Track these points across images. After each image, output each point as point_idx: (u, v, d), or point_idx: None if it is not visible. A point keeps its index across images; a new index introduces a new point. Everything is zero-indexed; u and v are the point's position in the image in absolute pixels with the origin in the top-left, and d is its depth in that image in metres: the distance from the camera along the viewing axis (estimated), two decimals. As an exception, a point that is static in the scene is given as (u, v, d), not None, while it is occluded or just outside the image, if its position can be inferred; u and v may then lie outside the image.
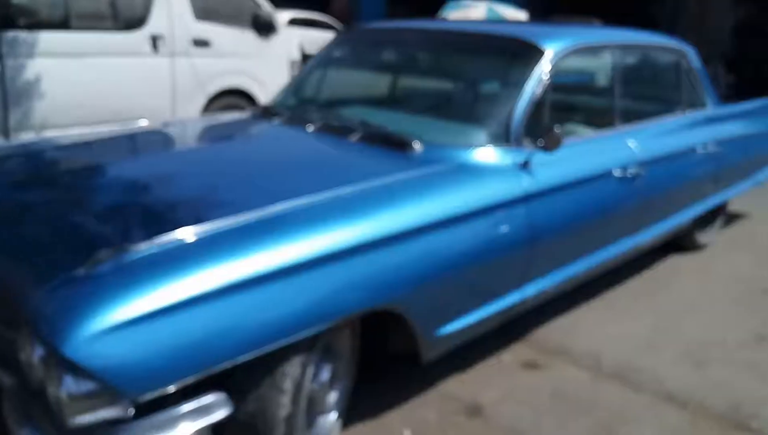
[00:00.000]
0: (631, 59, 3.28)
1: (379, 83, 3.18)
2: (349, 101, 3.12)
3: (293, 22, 13.26)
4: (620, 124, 3.06)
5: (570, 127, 3.14)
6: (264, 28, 6.04)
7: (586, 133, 3.05)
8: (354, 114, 2.84)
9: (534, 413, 2.36)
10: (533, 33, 2.77)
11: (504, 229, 2.32)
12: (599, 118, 3.11)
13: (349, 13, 17.39)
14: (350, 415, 2.24)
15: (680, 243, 3.98)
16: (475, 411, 2.36)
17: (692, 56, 3.67)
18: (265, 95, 5.97)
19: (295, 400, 1.75)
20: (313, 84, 3.25)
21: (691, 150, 3.44)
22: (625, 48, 3.16)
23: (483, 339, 2.73)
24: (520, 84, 2.59)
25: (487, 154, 2.42)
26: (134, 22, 5.10)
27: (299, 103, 3.15)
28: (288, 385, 1.73)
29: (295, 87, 3.27)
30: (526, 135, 2.52)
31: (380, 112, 2.91)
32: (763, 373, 2.68)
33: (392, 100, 3.10)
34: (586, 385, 2.55)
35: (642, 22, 15.75)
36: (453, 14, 13.43)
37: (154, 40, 5.21)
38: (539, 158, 2.50)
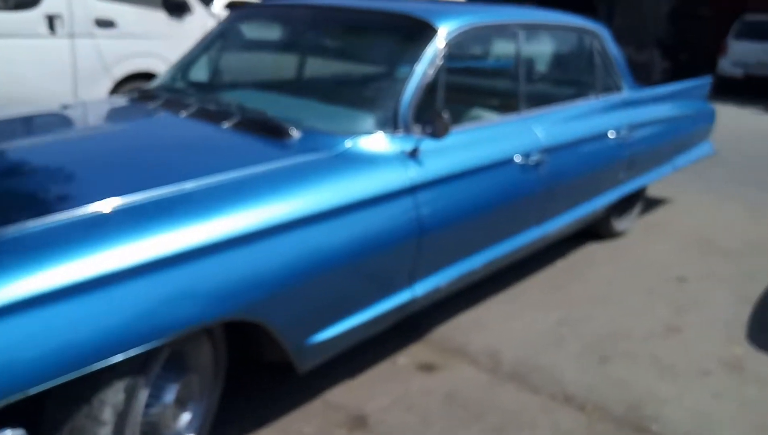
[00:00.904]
0: (538, 40, 3.13)
1: (268, 64, 2.94)
2: (233, 83, 2.87)
3: (232, 5, 12.70)
4: (525, 109, 2.90)
5: (475, 111, 2.96)
6: (176, 7, 5.67)
7: (491, 118, 2.89)
8: (234, 97, 2.59)
9: (422, 421, 2.19)
10: (425, 10, 2.57)
11: (386, 223, 2.12)
12: (504, 103, 2.94)
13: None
14: (217, 433, 2.02)
15: (596, 231, 3.88)
16: (358, 422, 2.17)
17: (606, 37, 3.54)
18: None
19: (119, 430, 1.51)
20: (199, 64, 2.98)
21: (603, 135, 3.31)
22: (532, 28, 3.00)
23: (377, 340, 2.54)
24: (409, 65, 2.39)
25: (370, 142, 2.21)
26: (27, 0, 4.69)
27: (181, 86, 2.87)
28: (108, 415, 1.48)
29: (181, 68, 2.99)
30: (416, 121, 2.32)
31: (264, 96, 2.67)
32: (666, 368, 2.58)
33: (279, 82, 2.85)
34: (483, 388, 2.39)
35: (580, 9, 15.81)
36: None
37: (51, 20, 4.81)
38: (429, 146, 2.31)
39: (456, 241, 2.45)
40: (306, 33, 2.93)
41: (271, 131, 2.22)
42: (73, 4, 4.94)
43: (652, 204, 4.72)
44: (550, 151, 2.87)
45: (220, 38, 3.04)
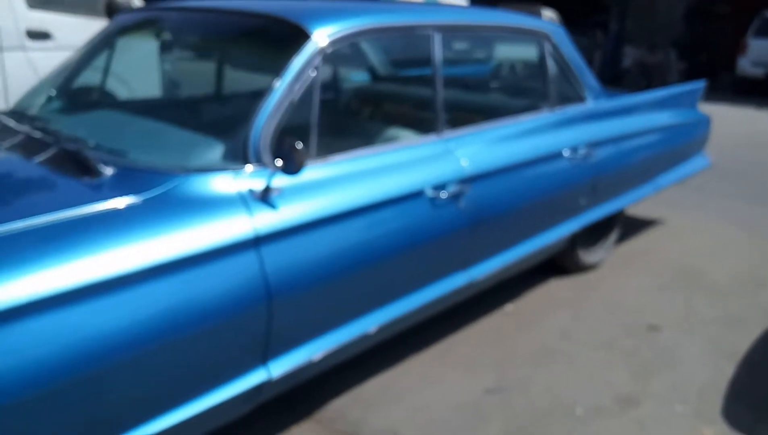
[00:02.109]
0: (467, 45, 2.60)
1: (132, 78, 2.46)
2: (77, 105, 2.38)
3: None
4: (446, 129, 2.38)
5: (391, 132, 2.45)
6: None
7: (411, 139, 2.37)
8: (65, 123, 2.12)
9: None
10: (297, 10, 2.06)
11: (216, 287, 1.62)
12: (419, 122, 2.43)
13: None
14: None
15: (561, 264, 3.33)
16: None
17: (561, 39, 2.99)
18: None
19: None
20: (57, 82, 2.51)
21: (554, 156, 2.77)
22: (453, 30, 2.47)
23: (252, 416, 2.03)
24: (269, 80, 1.89)
25: (202, 181, 1.71)
26: (-55, 11, 4.31)
27: (27, 109, 2.40)
28: None
29: (40, 88, 2.52)
30: (277, 153, 1.81)
31: (104, 119, 2.19)
32: (612, 458, 2.03)
33: (130, 103, 2.37)
34: (366, 491, 1.87)
35: (592, 10, 15.11)
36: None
37: (-25, 33, 4.42)
38: (288, 184, 1.81)
39: (329, 304, 1.93)
40: (178, 40, 2.45)
41: (78, 168, 1.73)
42: (1, 14, 4.55)
43: (637, 227, 4.14)
44: (475, 179, 2.34)
45: (92, 49, 2.56)
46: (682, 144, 3.83)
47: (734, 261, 3.66)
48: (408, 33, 2.29)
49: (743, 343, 2.72)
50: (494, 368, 2.49)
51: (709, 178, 5.35)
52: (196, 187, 1.69)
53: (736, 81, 12.76)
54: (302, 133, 1.91)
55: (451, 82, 2.45)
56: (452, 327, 2.76)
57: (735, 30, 13.69)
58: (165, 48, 2.45)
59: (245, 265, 1.68)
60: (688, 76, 13.72)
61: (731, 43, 13.41)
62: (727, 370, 2.52)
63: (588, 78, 3.17)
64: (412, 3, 2.46)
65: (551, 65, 2.93)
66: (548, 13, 13.46)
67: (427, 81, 2.37)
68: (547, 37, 2.91)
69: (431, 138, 2.35)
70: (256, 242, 1.70)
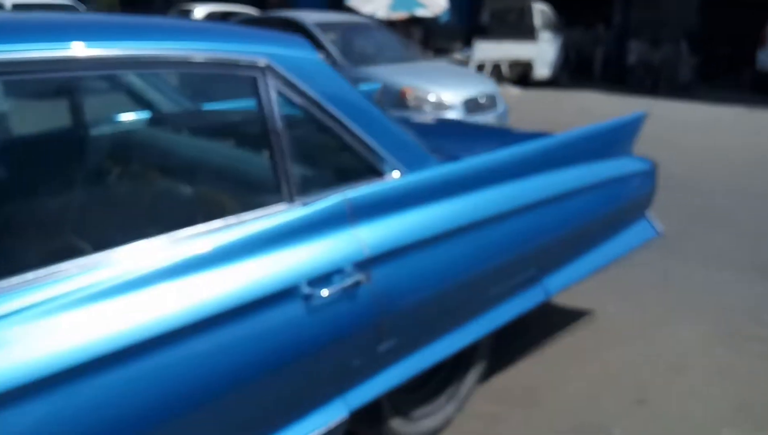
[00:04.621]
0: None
1: None
2: None
3: (211, 16, 12.65)
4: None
5: None
6: None
7: None
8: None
9: None
10: None
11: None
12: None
13: (286, 8, 15.55)
14: None
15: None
16: None
17: (304, 69, 1.64)
18: None
19: None
20: None
21: (275, 298, 1.45)
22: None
23: None
24: None
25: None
26: None
27: None
28: None
29: None
30: None
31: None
32: None
33: None
34: None
35: (593, 1, 13.53)
36: (353, 2, 11.60)
37: None
38: None
39: None
40: None
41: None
42: None
43: (553, 323, 2.76)
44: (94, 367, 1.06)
45: None
46: (599, 216, 2.45)
47: (682, 408, 2.26)
48: None
49: None
50: None
51: (696, 223, 3.94)
52: None
53: (756, 77, 11.09)
54: None
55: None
56: None
57: (761, 18, 11.93)
58: None
59: None
60: (702, 72, 12.06)
61: (756, 34, 11.70)
62: None
63: (387, 131, 1.82)
64: None
65: (283, 121, 1.59)
66: (540, 7, 12.05)
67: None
68: (270, 71, 1.57)
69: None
70: None
